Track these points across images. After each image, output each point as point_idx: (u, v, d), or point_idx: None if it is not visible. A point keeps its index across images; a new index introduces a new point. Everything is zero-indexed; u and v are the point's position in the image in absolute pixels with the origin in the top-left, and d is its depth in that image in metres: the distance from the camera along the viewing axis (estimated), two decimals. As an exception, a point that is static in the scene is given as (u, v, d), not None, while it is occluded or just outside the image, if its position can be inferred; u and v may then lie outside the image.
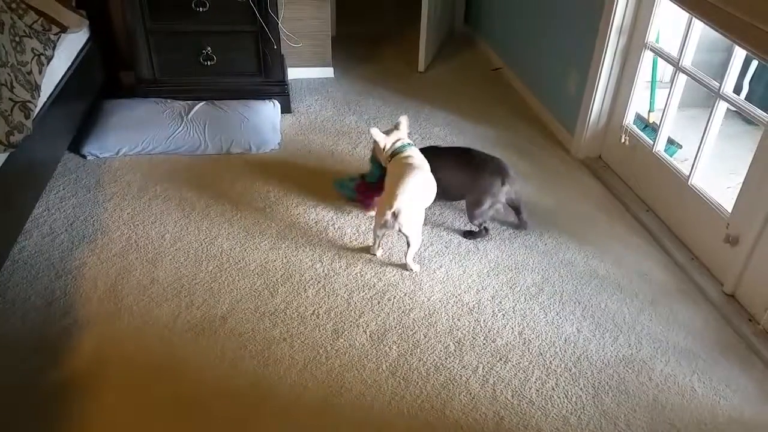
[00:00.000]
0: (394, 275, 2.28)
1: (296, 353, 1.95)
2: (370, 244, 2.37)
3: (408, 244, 2.24)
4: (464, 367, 1.93)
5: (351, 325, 2.06)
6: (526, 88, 3.65)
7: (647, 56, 2.71)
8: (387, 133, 2.38)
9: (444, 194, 2.42)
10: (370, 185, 2.56)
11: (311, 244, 2.41)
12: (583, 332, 2.07)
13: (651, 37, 2.65)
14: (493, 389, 1.86)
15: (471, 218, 2.45)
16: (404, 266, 2.31)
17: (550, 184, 2.86)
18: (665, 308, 2.19)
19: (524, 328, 2.08)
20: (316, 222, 2.53)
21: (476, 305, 2.17)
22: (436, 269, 2.32)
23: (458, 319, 2.11)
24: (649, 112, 3.10)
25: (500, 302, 2.18)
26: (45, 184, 2.48)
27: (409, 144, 2.36)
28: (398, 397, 1.83)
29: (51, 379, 1.82)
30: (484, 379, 1.89)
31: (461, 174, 2.43)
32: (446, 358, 1.96)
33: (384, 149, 2.35)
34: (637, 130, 2.82)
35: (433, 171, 2.35)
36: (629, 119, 2.86)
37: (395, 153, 2.32)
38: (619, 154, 2.91)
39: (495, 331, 2.06)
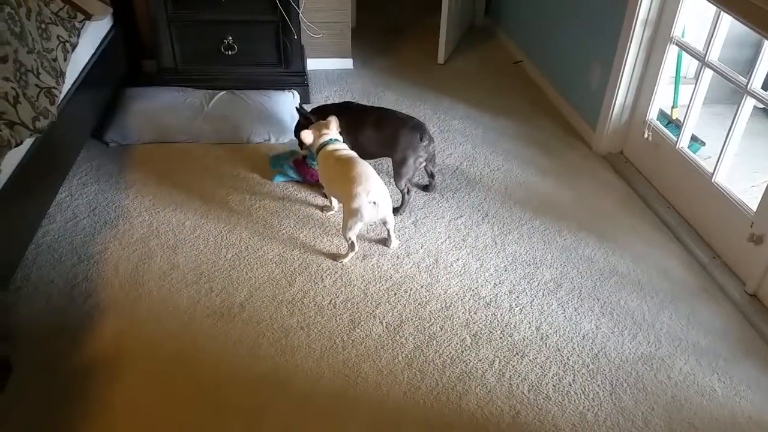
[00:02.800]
0: (411, 267, 2.28)
1: (313, 342, 1.96)
2: (347, 251, 2.30)
3: (385, 224, 2.30)
4: (480, 360, 1.93)
5: (367, 316, 2.06)
6: (547, 81, 3.61)
7: (672, 51, 2.66)
8: (315, 129, 2.37)
9: (365, 152, 2.45)
10: (308, 166, 2.63)
11: (329, 234, 2.42)
12: (602, 329, 2.06)
13: (677, 31, 2.61)
14: (510, 383, 1.86)
15: (398, 178, 2.49)
16: (417, 267, 2.30)
17: (570, 179, 2.84)
18: (686, 307, 2.17)
19: (542, 323, 2.07)
20: (333, 213, 2.53)
21: (493, 299, 2.16)
22: (453, 262, 2.32)
23: (475, 313, 2.10)
24: (673, 108, 3.06)
25: (517, 297, 2.17)
26: (68, 169, 2.51)
27: (333, 139, 2.36)
28: (414, 388, 1.83)
29: (73, 361, 1.85)
30: (501, 373, 1.89)
31: (383, 131, 2.50)
32: (462, 351, 1.96)
33: (312, 144, 2.37)
34: (661, 126, 2.78)
35: (356, 130, 2.49)
36: (653, 115, 2.82)
37: (322, 146, 2.34)
38: (642, 150, 2.87)
39: (512, 326, 2.06)
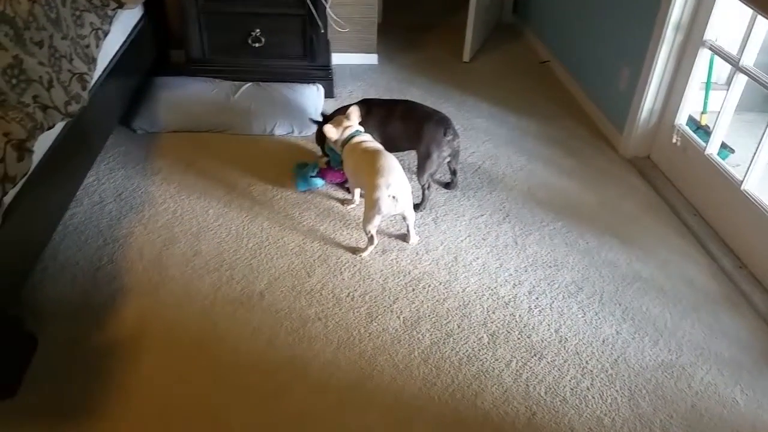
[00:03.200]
0: (430, 264, 2.28)
1: (330, 333, 1.97)
2: (366, 244, 2.30)
3: (405, 219, 2.30)
4: (497, 360, 1.92)
5: (385, 310, 2.07)
6: (574, 82, 3.57)
7: (704, 55, 2.62)
8: (336, 123, 2.37)
9: (390, 145, 2.44)
10: (333, 169, 2.61)
11: (349, 227, 2.43)
12: (622, 334, 2.03)
13: (710, 35, 2.56)
14: (527, 384, 1.84)
15: (421, 172, 2.48)
16: (436, 264, 2.30)
17: (594, 182, 2.81)
18: (709, 316, 2.13)
19: (561, 326, 2.05)
20: (354, 206, 2.54)
21: (512, 299, 2.15)
22: (473, 261, 2.31)
23: (493, 312, 2.09)
24: (702, 113, 3.00)
25: (537, 298, 2.16)
26: (97, 154, 2.55)
27: (357, 131, 2.37)
28: (429, 384, 1.83)
29: (95, 340, 1.88)
30: (518, 373, 1.88)
31: (408, 125, 2.50)
32: (479, 350, 1.95)
33: (337, 140, 2.37)
34: (690, 132, 2.74)
35: (381, 123, 2.50)
36: (682, 119, 2.77)
37: (347, 140, 2.35)
38: (669, 155, 2.83)
39: (530, 327, 2.04)
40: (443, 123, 2.46)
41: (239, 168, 2.73)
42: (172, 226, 2.36)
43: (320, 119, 2.60)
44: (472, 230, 2.46)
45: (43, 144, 1.94)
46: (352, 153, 2.32)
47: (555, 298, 2.16)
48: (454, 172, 2.66)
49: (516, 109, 3.39)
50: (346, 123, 2.37)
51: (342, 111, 2.53)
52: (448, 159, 2.54)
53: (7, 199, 1.70)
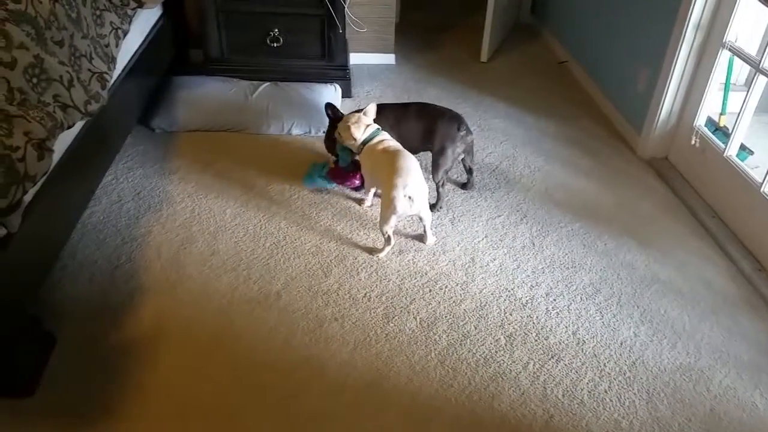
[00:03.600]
0: (447, 265, 2.27)
1: (347, 333, 1.97)
2: (383, 245, 2.30)
3: (421, 219, 2.30)
4: (514, 362, 1.91)
5: (401, 311, 2.07)
6: (593, 83, 3.55)
7: (724, 56, 2.59)
8: (357, 122, 2.36)
9: (406, 146, 2.42)
10: (344, 169, 2.60)
11: (365, 228, 2.43)
12: (640, 337, 2.02)
13: (730, 36, 2.53)
14: (544, 387, 1.83)
15: (435, 169, 2.49)
16: (453, 264, 2.29)
17: (612, 183, 2.78)
18: (728, 318, 2.11)
19: (579, 328, 2.04)
20: (371, 206, 2.54)
21: (529, 301, 2.14)
22: (490, 262, 2.30)
23: (510, 314, 2.08)
24: (721, 115, 2.97)
25: (554, 300, 2.14)
26: (116, 153, 2.58)
27: (378, 130, 2.38)
28: (446, 386, 1.82)
29: (112, 339, 1.90)
30: (535, 375, 1.87)
31: (422, 124, 2.51)
32: (496, 352, 1.94)
33: (357, 140, 2.36)
34: (708, 133, 2.70)
35: (395, 123, 2.50)
36: (701, 121, 2.74)
37: (367, 140, 2.34)
38: (688, 156, 2.80)
39: (548, 329, 2.03)
40: (456, 119, 2.48)
41: (256, 167, 2.74)
42: (189, 226, 2.38)
43: (332, 110, 2.59)
44: (489, 231, 2.45)
45: (62, 143, 1.96)
46: (371, 154, 2.32)
47: (572, 300, 2.15)
48: (469, 171, 2.65)
49: (533, 109, 3.37)
50: (366, 121, 2.37)
51: (355, 113, 2.53)
52: (462, 156, 2.54)
53: (27, 197, 1.72)
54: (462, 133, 2.46)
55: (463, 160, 2.59)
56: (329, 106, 2.59)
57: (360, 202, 2.56)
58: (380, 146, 2.31)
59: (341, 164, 2.59)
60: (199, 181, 2.63)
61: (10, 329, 1.64)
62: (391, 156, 2.24)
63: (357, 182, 2.61)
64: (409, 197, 2.15)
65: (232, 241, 2.31)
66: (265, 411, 1.72)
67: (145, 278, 2.12)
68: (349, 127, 2.35)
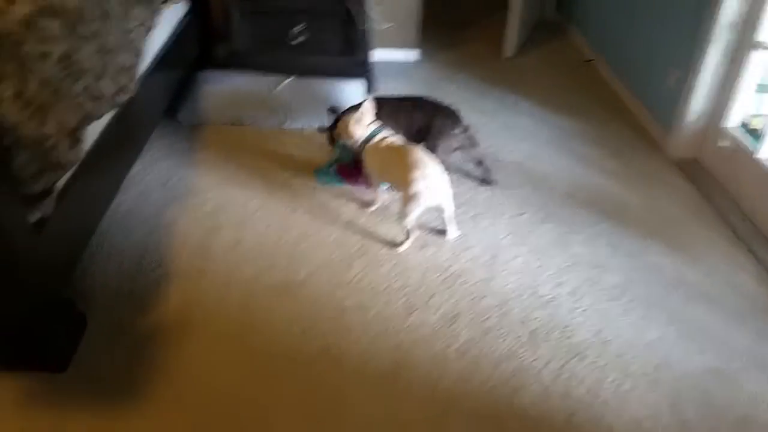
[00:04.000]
0: (469, 261, 2.26)
1: (368, 325, 1.97)
2: (406, 238, 2.29)
3: (443, 212, 2.28)
4: (536, 359, 1.89)
5: (422, 304, 2.06)
6: (620, 82, 3.50)
7: (757, 57, 2.53)
8: (358, 121, 2.33)
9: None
10: (349, 166, 2.60)
11: (388, 221, 2.43)
12: (667, 339, 1.98)
13: (763, 37, 2.47)
14: (566, 384, 1.81)
15: None
16: (475, 261, 2.28)
17: (639, 184, 2.74)
18: (758, 323, 2.06)
19: (603, 328, 2.01)
20: (392, 201, 2.53)
21: (553, 299, 2.11)
22: (512, 259, 2.28)
23: (532, 311, 2.06)
24: (753, 117, 2.90)
25: (579, 299, 2.12)
26: (143, 145, 2.61)
27: (379, 127, 2.36)
28: (465, 379, 1.81)
29: (139, 325, 1.93)
30: (557, 373, 1.85)
31: (417, 118, 2.52)
32: (518, 348, 1.92)
33: (357, 139, 2.35)
34: (740, 135, 2.65)
35: (390, 118, 2.48)
36: (732, 122, 2.69)
37: (368, 139, 2.32)
38: (717, 158, 2.75)
39: (571, 328, 2.01)
40: (452, 115, 2.50)
41: (279, 161, 2.76)
42: (214, 216, 2.40)
43: (334, 110, 2.61)
44: (512, 229, 2.43)
45: (92, 134, 2.00)
46: (375, 152, 2.30)
47: (598, 300, 2.12)
48: (479, 163, 2.64)
49: (558, 107, 3.34)
50: (366, 120, 2.34)
51: (353, 110, 2.53)
52: (458, 151, 2.56)
53: (60, 184, 1.76)
54: (457, 130, 2.48)
55: (468, 154, 2.60)
56: (331, 109, 2.62)
57: (366, 205, 2.49)
58: (383, 144, 2.29)
59: (344, 159, 2.60)
60: (225, 173, 2.65)
61: (46, 309, 1.70)
62: (402, 151, 2.22)
63: (362, 182, 2.58)
64: (431, 188, 2.15)
65: (257, 231, 2.33)
66: (285, 398, 1.73)
67: (171, 267, 2.15)
68: (348, 126, 2.33)
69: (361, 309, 2.03)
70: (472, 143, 2.58)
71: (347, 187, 2.62)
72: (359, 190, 2.59)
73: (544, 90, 3.52)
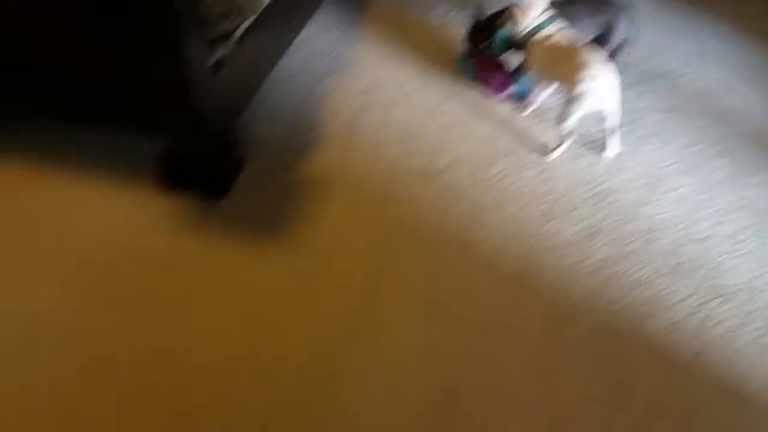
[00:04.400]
0: (624, 181, 2.11)
1: (501, 223, 1.95)
2: (559, 144, 2.16)
3: (606, 120, 2.11)
4: (674, 291, 1.77)
5: (563, 214, 1.99)
6: None
7: None
8: (520, 10, 2.12)
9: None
10: (490, 62, 2.40)
11: (543, 125, 2.30)
12: (835, 303, 1.75)
13: None
14: (701, 323, 1.69)
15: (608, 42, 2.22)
16: (631, 183, 2.12)
17: None
18: None
19: (758, 276, 1.82)
20: (551, 105, 2.37)
21: (708, 237, 1.93)
22: (672, 190, 2.09)
23: (683, 245, 1.91)
24: None
25: (738, 243, 1.92)
26: (315, 9, 2.66)
27: (551, 18, 2.11)
28: (594, 297, 1.76)
29: (290, 175, 2.07)
30: (694, 310, 1.73)
31: (596, 16, 2.22)
32: (656, 278, 1.81)
33: (522, 30, 2.14)
34: None
35: (571, 16, 2.18)
36: None
37: (537, 29, 2.11)
38: None
39: (721, 270, 1.84)
40: (631, 11, 2.22)
41: (444, 46, 2.67)
42: (369, 93, 2.43)
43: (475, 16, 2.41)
44: (680, 158, 2.21)
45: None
46: (542, 45, 2.12)
47: (759, 248, 1.90)
48: (614, 53, 2.29)
49: (763, 32, 2.87)
50: (538, 8, 2.14)
51: (497, 15, 2.32)
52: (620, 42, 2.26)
53: (238, 32, 1.87)
54: (636, 28, 2.22)
55: (616, 47, 2.28)
56: (475, 13, 2.41)
57: (523, 108, 2.38)
58: (550, 40, 2.09)
59: (494, 51, 2.38)
60: (386, 51, 2.65)
61: (218, 140, 1.90)
62: (568, 50, 2.04)
63: (501, 90, 2.41)
64: (599, 91, 1.99)
65: (407, 114, 2.34)
66: (411, 275, 1.80)
67: (322, 132, 2.24)
68: (521, 11, 2.14)
69: (497, 207, 2.01)
70: (630, 41, 2.28)
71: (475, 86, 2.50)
72: (485, 90, 2.47)
73: (752, 10, 3.02)
